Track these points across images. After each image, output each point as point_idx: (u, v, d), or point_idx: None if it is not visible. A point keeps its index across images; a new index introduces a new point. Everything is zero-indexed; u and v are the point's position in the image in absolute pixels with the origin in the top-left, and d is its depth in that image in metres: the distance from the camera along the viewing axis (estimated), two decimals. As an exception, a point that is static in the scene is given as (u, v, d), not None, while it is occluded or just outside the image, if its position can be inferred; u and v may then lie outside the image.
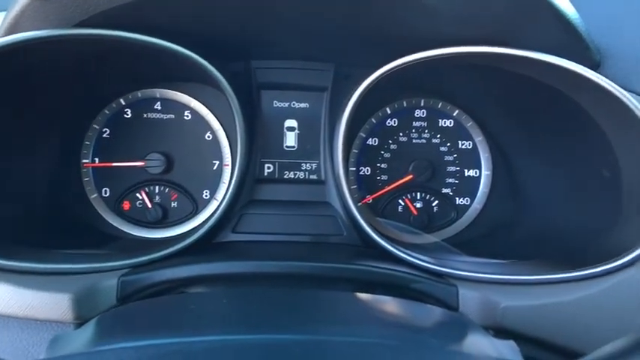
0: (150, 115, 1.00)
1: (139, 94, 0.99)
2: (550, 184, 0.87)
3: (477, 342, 0.50)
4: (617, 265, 0.66)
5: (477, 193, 1.02)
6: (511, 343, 0.51)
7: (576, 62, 0.69)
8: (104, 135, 0.99)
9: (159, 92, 0.99)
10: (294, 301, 0.58)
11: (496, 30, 0.71)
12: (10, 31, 0.69)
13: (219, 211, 0.86)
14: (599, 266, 0.66)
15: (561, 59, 0.68)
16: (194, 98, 0.99)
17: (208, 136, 1.00)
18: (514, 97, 0.86)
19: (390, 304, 0.62)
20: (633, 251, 0.65)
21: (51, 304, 0.67)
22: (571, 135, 0.80)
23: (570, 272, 0.68)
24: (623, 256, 0.65)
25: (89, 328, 0.51)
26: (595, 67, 0.74)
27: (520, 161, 0.95)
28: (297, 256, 0.84)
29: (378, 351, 0.37)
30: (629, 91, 0.74)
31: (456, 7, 0.66)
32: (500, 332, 0.67)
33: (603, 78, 0.68)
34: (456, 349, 0.45)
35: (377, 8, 0.68)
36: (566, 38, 0.69)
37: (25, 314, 0.67)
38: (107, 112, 0.99)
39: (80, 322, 0.69)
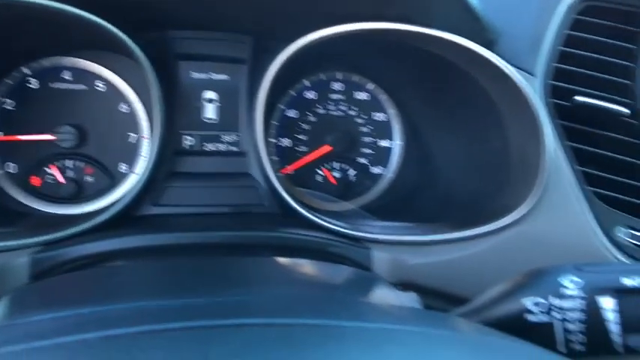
0: (59, 85, 0.95)
1: (46, 62, 0.94)
2: (453, 153, 0.96)
3: (382, 294, 0.56)
4: (502, 225, 0.75)
5: (390, 162, 1.09)
6: (412, 294, 0.58)
7: (473, 40, 0.75)
8: (8, 106, 0.94)
9: (68, 61, 0.95)
10: (212, 268, 0.60)
11: (405, 8, 0.75)
12: None
13: (138, 185, 0.85)
14: (487, 226, 0.75)
15: (458, 37, 0.74)
16: (107, 68, 0.96)
17: (124, 108, 0.97)
18: (422, 73, 0.93)
19: (305, 266, 0.66)
20: (515, 212, 0.74)
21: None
22: (470, 108, 0.88)
23: (465, 231, 0.76)
24: (507, 217, 0.75)
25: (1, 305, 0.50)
26: (491, 45, 0.81)
27: (429, 132, 1.03)
28: (219, 226, 0.86)
29: (289, 305, 0.40)
30: (522, 69, 0.82)
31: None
32: (409, 287, 0.74)
33: (494, 56, 0.75)
34: (361, 300, 0.50)
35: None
36: (465, 18, 0.75)
37: None
38: (10, 81, 0.93)
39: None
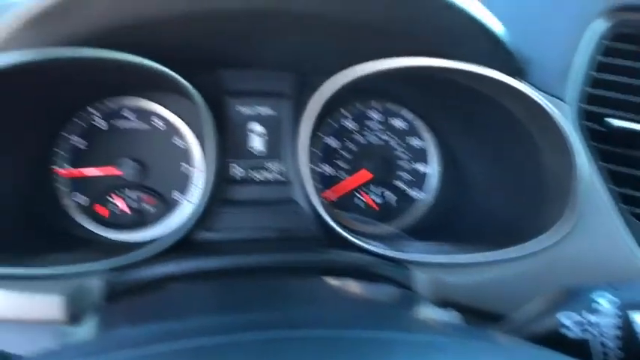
0: (121, 123, 1.05)
1: (110, 103, 1.04)
2: (489, 176, 0.99)
3: (425, 311, 0.60)
4: (538, 246, 0.78)
5: (428, 186, 1.13)
6: (454, 312, 0.61)
7: (502, 71, 0.80)
8: (76, 144, 1.04)
9: (129, 101, 1.04)
10: (269, 287, 0.66)
11: (437, 44, 0.81)
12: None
13: (192, 212, 0.93)
14: (524, 247, 0.78)
15: (486, 69, 0.79)
16: (163, 106, 1.05)
17: (179, 142, 1.06)
18: (456, 102, 0.97)
19: (352, 285, 0.71)
20: (551, 232, 0.77)
21: (43, 306, 0.73)
22: (503, 134, 0.91)
23: (502, 252, 0.79)
24: (542, 237, 0.78)
25: (89, 322, 0.57)
26: (520, 74, 0.85)
27: (465, 157, 1.07)
28: (268, 250, 0.92)
29: (343, 318, 0.45)
30: (553, 95, 0.86)
31: (406, 27, 0.75)
32: (449, 305, 0.78)
33: (522, 84, 0.79)
34: (407, 315, 0.54)
35: (334, 30, 0.77)
36: (494, 50, 0.79)
37: (18, 317, 0.72)
38: (78, 121, 1.03)
39: (71, 321, 0.74)
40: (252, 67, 1.03)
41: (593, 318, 0.51)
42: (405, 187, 1.13)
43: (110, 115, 1.04)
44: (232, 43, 0.88)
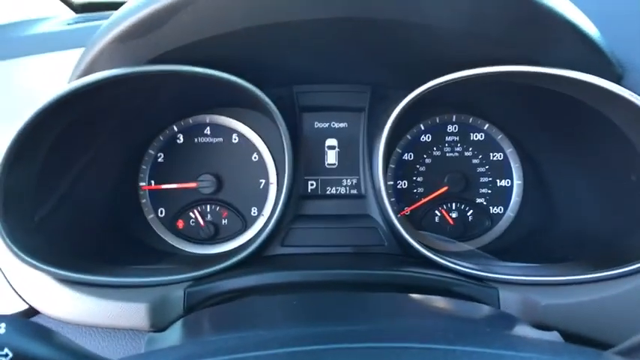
0: (200, 139, 1.08)
1: (190, 120, 1.08)
2: (579, 189, 0.92)
3: (523, 329, 0.55)
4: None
5: (509, 201, 1.07)
6: (555, 332, 0.56)
7: (599, 76, 0.75)
8: (159, 159, 1.08)
9: (208, 118, 1.08)
10: (354, 302, 0.64)
11: (525, 50, 0.77)
12: (88, 71, 0.78)
13: (268, 227, 0.93)
14: (628, 265, 0.71)
15: (585, 74, 0.74)
16: (241, 122, 1.08)
17: (254, 157, 1.08)
18: (542, 110, 0.92)
19: (439, 302, 0.68)
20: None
21: (129, 313, 0.75)
22: (597, 143, 0.85)
23: (602, 272, 0.73)
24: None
25: (176, 329, 0.58)
26: (618, 79, 0.79)
27: (550, 170, 1.00)
28: (343, 265, 0.90)
29: (438, 332, 0.42)
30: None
31: (489, 31, 0.72)
32: (541, 329, 0.72)
33: (624, 89, 0.73)
34: (507, 332, 0.50)
35: (411, 38, 0.75)
36: (589, 55, 0.74)
37: (107, 323, 0.75)
38: (161, 138, 1.08)
39: (154, 329, 0.76)
40: (327, 82, 1.03)
41: None
42: (484, 203, 1.08)
43: (192, 132, 1.08)
44: (307, 57, 0.89)
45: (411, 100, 0.87)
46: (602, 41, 0.75)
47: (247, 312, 0.65)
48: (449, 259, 0.85)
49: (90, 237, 0.94)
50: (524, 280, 0.78)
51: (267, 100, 0.88)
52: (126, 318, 0.74)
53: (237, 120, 1.08)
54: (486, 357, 0.36)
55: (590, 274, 0.74)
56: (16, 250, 0.72)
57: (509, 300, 0.78)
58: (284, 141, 0.92)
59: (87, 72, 0.78)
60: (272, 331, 0.45)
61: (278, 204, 0.94)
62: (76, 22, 1.24)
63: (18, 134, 0.73)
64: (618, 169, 0.82)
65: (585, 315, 0.71)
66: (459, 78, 0.80)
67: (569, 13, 0.70)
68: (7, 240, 0.72)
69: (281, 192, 0.95)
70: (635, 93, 0.80)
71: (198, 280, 0.83)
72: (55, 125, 0.79)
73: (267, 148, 1.07)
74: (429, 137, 1.09)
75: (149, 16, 0.68)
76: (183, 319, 0.66)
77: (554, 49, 0.74)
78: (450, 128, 1.09)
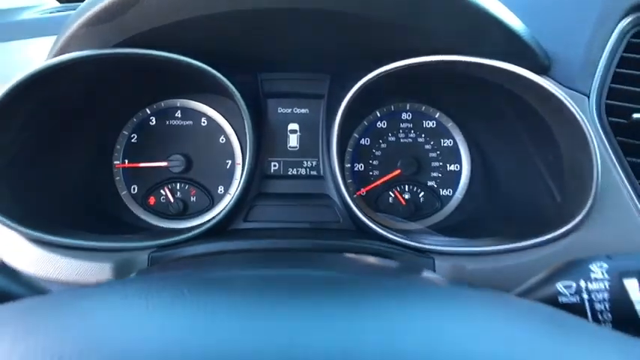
0: (171, 122, 1.16)
1: (162, 104, 1.16)
2: (512, 171, 1.01)
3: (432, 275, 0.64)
4: (556, 234, 0.80)
5: (458, 184, 1.16)
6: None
7: (525, 67, 0.83)
8: (132, 140, 1.15)
9: (179, 102, 1.15)
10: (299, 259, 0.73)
11: (460, 42, 0.86)
12: (60, 53, 0.86)
13: (231, 203, 1.01)
14: (539, 237, 0.80)
15: (508, 64, 0.83)
16: (209, 107, 1.15)
17: (222, 139, 1.15)
18: (481, 99, 1.00)
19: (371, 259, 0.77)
20: (569, 222, 0.79)
21: (95, 272, 0.83)
22: (527, 129, 0.94)
23: (518, 243, 0.82)
24: (562, 227, 0.79)
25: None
26: (544, 70, 0.88)
27: (492, 154, 1.09)
28: (300, 237, 0.98)
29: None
30: (577, 91, 0.88)
31: (424, 24, 0.81)
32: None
33: (542, 79, 0.82)
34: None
35: (355, 28, 0.84)
36: (516, 47, 0.83)
37: (75, 280, 0.83)
38: (135, 120, 1.15)
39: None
40: (289, 69, 1.11)
41: (587, 284, 0.53)
42: (434, 185, 1.16)
43: (164, 115, 1.16)
44: (270, 44, 0.96)
45: (359, 89, 0.95)
46: (526, 34, 0.84)
47: (200, 263, 0.73)
48: (393, 232, 0.93)
49: (64, 206, 1.01)
50: (456, 250, 0.87)
51: (229, 84, 0.95)
52: (92, 276, 0.82)
53: (206, 105, 1.16)
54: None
55: (509, 244, 0.82)
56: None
57: (442, 267, 0.86)
58: (246, 124, 1.00)
59: (59, 54, 0.86)
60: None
61: (242, 183, 1.02)
62: (58, 11, 1.32)
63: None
64: (543, 153, 0.91)
65: (502, 278, 0.80)
66: (396, 68, 0.89)
67: (494, 8, 0.79)
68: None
69: (245, 172, 1.02)
70: (561, 83, 0.89)
71: (162, 248, 0.91)
72: (30, 101, 0.86)
73: (234, 131, 1.15)
74: (384, 124, 1.17)
75: (115, 2, 0.75)
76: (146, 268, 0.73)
77: (483, 41, 0.83)
78: (405, 116, 1.17)
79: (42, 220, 0.89)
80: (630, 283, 0.51)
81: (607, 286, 0.52)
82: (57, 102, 0.93)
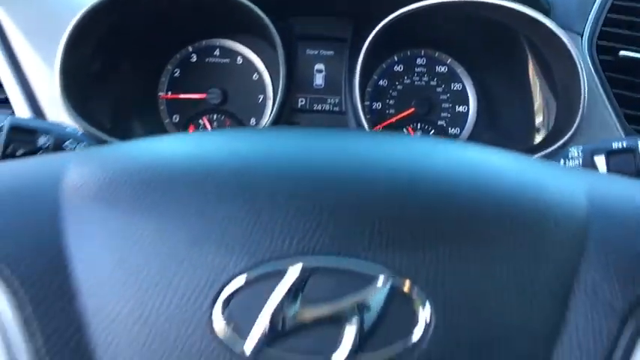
0: (210, 59, 1.29)
1: (203, 42, 1.29)
2: (517, 108, 1.15)
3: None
4: (547, 151, 0.93)
5: (465, 124, 1.30)
6: None
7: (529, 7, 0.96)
8: (175, 74, 1.29)
9: (218, 42, 1.29)
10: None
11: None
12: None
13: (263, 130, 1.15)
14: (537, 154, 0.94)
15: (516, 4, 0.96)
16: (246, 46, 1.29)
17: (255, 76, 1.29)
18: (489, 41, 1.14)
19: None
20: (560, 140, 0.93)
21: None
22: (525, 63, 1.07)
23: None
24: (552, 146, 0.93)
25: None
26: (546, 13, 1.01)
27: (498, 96, 1.23)
28: None
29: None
30: (572, 31, 1.01)
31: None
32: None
33: (547, 19, 0.95)
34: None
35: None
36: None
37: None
38: (178, 56, 1.29)
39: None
40: (319, 14, 1.25)
41: (566, 162, 0.67)
42: (444, 124, 1.30)
43: (204, 53, 1.29)
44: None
45: (379, 31, 1.08)
46: (531, -20, 0.97)
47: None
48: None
49: (121, 130, 1.16)
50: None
51: (271, 26, 1.09)
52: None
53: (242, 44, 1.29)
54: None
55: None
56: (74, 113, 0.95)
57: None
58: (280, 62, 1.13)
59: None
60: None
61: (271, 115, 1.16)
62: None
63: (73, 27, 0.95)
64: (540, 86, 1.04)
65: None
66: (412, 10, 1.01)
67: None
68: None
69: (275, 106, 1.16)
70: (558, 24, 1.02)
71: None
72: (101, 25, 1.00)
73: (267, 69, 1.29)
74: (401, 67, 1.30)
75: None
76: None
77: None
78: (419, 61, 1.30)
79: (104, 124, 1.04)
80: (599, 159, 0.66)
81: (580, 162, 0.66)
82: (123, 31, 1.07)
